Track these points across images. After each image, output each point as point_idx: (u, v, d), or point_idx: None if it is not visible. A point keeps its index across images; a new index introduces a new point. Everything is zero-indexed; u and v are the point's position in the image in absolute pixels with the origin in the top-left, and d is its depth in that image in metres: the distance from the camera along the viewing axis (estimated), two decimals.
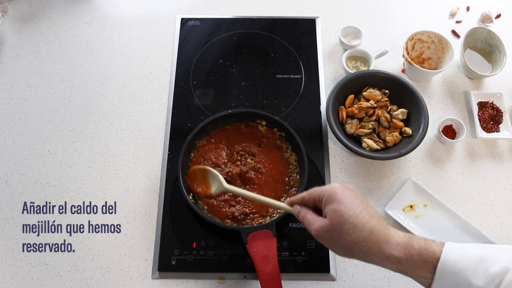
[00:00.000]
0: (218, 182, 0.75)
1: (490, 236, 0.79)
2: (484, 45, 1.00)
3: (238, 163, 0.84)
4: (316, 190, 0.60)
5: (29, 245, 0.80)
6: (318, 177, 0.85)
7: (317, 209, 0.61)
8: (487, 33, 0.98)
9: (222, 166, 0.83)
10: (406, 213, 0.82)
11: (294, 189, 0.81)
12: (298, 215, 0.62)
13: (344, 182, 0.86)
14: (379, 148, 0.85)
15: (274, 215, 0.78)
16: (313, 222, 0.58)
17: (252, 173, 0.82)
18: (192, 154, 0.84)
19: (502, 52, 0.96)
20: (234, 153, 0.85)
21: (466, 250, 0.50)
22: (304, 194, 0.62)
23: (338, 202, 0.55)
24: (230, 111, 0.85)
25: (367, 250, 0.53)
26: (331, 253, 0.78)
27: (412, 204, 0.82)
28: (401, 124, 0.87)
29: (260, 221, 0.78)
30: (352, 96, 0.90)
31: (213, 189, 0.76)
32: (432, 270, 0.50)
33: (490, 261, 0.48)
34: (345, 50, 1.00)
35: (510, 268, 0.47)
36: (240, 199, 0.80)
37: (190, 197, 0.78)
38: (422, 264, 0.51)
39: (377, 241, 0.53)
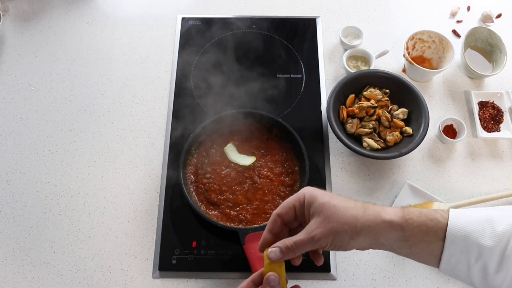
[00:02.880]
0: None
1: None
2: (484, 45, 1.00)
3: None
4: (286, 210, 0.55)
5: (30, 245, 0.80)
6: (319, 176, 0.86)
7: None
8: (488, 32, 0.98)
9: (223, 167, 0.84)
10: None
11: (295, 187, 0.81)
12: (286, 250, 0.53)
13: (345, 182, 0.86)
14: (379, 147, 0.85)
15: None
16: (306, 234, 0.52)
17: (252, 172, 0.82)
18: (192, 154, 0.84)
19: (503, 51, 0.96)
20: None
21: (471, 214, 0.50)
22: (266, 234, 0.56)
23: (317, 198, 0.53)
24: (231, 111, 0.85)
25: (369, 223, 0.51)
26: (331, 252, 0.78)
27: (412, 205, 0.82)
28: (401, 123, 0.87)
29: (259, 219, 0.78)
30: (352, 95, 0.90)
31: None
32: (441, 237, 0.49)
33: (496, 221, 0.48)
34: (346, 50, 1.00)
35: None
36: (241, 204, 0.80)
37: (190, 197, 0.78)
38: (426, 233, 0.50)
39: (375, 211, 0.51)
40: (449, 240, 0.49)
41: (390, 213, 0.51)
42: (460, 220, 0.49)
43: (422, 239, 0.50)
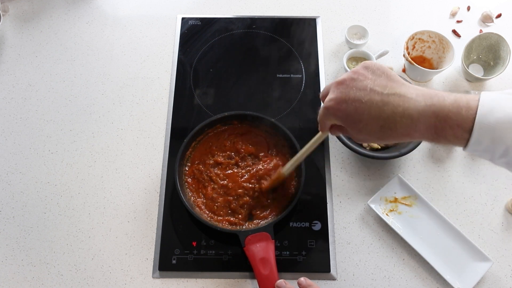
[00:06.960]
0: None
1: (471, 238, 0.77)
2: (486, 57, 0.99)
3: (236, 163, 0.84)
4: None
5: (30, 245, 0.80)
6: (319, 176, 0.86)
7: None
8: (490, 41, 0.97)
9: (221, 166, 0.83)
10: (390, 207, 0.81)
11: (292, 187, 0.81)
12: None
13: (345, 182, 0.86)
14: (379, 147, 0.85)
15: (271, 217, 0.78)
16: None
17: (249, 173, 0.82)
18: (188, 156, 0.84)
19: (505, 51, 0.95)
20: (232, 153, 0.85)
21: (503, 108, 0.47)
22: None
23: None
24: (226, 113, 0.85)
25: (391, 111, 0.52)
26: (331, 252, 0.78)
27: (396, 197, 0.82)
28: None
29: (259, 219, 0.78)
30: None
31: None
32: (467, 133, 0.48)
33: None
34: (350, 48, 1.00)
35: None
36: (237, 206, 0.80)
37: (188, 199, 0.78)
38: (454, 129, 0.49)
39: (403, 130, 0.53)
40: (475, 138, 0.48)
41: (423, 134, 0.51)
42: (490, 118, 0.47)
43: (446, 134, 0.50)
